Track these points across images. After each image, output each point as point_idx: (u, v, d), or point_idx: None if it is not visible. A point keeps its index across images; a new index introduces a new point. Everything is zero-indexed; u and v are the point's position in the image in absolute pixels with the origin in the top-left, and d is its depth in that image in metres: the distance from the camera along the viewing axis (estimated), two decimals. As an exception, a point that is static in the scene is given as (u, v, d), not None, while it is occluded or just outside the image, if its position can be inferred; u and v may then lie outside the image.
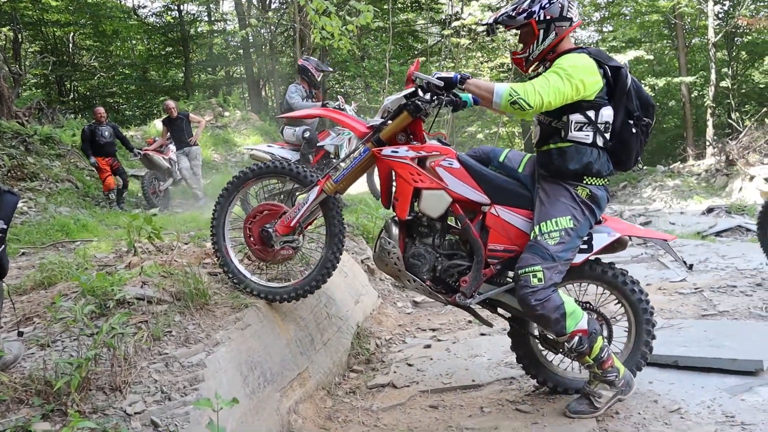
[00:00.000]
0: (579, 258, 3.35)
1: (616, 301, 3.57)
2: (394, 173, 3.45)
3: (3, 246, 1.96)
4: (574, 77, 3.07)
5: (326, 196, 3.65)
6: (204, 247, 4.64)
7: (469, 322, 5.38)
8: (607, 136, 3.26)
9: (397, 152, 3.39)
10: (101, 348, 2.89)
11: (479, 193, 3.38)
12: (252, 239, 3.80)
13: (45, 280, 4.15)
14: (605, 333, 3.56)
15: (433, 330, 5.19)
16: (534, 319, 3.35)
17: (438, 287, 3.54)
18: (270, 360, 3.56)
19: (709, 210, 7.38)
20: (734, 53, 25.75)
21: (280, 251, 3.78)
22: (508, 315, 3.65)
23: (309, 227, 3.88)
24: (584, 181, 3.25)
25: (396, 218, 3.52)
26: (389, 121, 3.42)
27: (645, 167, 21.32)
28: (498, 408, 3.61)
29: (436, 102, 3.29)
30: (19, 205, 8.97)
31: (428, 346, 4.73)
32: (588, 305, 3.55)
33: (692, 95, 24.56)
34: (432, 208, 3.41)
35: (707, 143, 21.82)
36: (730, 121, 22.89)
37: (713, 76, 22.42)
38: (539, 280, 3.14)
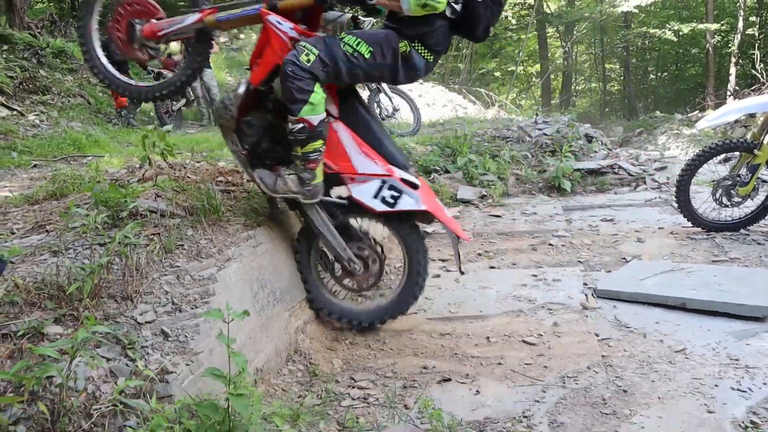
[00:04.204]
0: (380, 207, 3.44)
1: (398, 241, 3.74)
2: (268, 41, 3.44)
3: None
4: None
5: (203, 26, 3.60)
6: (217, 165, 4.61)
7: (479, 255, 5.39)
8: (458, 7, 3.29)
9: (281, 24, 3.35)
10: (113, 256, 2.90)
11: (332, 104, 3.44)
12: (118, 26, 3.74)
13: (57, 191, 4.14)
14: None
15: (443, 261, 5.19)
16: (282, 90, 3.33)
17: (252, 161, 3.57)
18: (280, 279, 3.58)
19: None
20: (765, 0, 24.97)
21: (137, 50, 3.73)
22: (301, 225, 3.77)
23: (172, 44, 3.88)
24: (413, 43, 3.30)
25: (249, 82, 3.51)
26: None
27: (662, 114, 20.97)
28: (504, 339, 3.63)
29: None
30: (31, 117, 8.94)
31: (437, 276, 4.74)
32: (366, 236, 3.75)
33: (716, 43, 23.92)
34: None
35: (728, 93, 21.39)
36: (753, 72, 22.35)
37: (740, 24, 21.79)
38: (308, 61, 3.19)
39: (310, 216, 3.58)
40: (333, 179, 3.57)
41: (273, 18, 3.35)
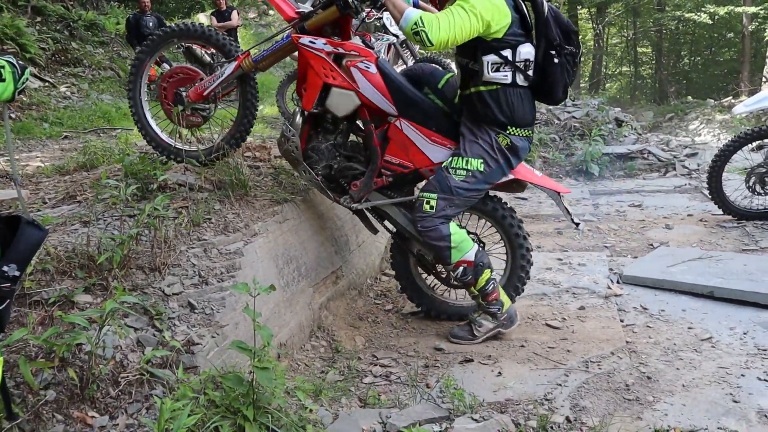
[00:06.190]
0: None
1: (496, 231, 3.64)
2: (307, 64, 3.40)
3: (8, 301, 1.76)
4: (477, 9, 2.91)
5: (243, 72, 3.59)
6: (245, 141, 4.62)
7: (504, 237, 5.36)
8: (530, 73, 3.14)
9: (314, 43, 3.32)
10: (142, 228, 2.94)
11: (388, 103, 3.34)
12: (166, 99, 3.77)
13: (87, 162, 4.21)
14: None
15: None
16: (420, 244, 3.44)
17: (330, 185, 3.56)
18: (305, 255, 3.60)
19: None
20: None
21: (190, 117, 3.75)
22: (394, 230, 3.69)
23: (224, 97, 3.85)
24: (507, 131, 3.18)
25: (302, 109, 3.48)
26: (319, 11, 3.34)
27: (694, 99, 20.59)
28: (527, 322, 3.62)
29: (368, 2, 3.23)
30: (62, 89, 9.04)
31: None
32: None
33: (753, 28, 23.30)
34: (338, 106, 3.39)
35: (763, 80, 20.87)
36: (791, 57, 21.79)
37: (780, 8, 21.21)
38: (431, 207, 3.20)
39: (398, 221, 3.53)
40: (416, 178, 3.54)
41: (305, 40, 3.33)
